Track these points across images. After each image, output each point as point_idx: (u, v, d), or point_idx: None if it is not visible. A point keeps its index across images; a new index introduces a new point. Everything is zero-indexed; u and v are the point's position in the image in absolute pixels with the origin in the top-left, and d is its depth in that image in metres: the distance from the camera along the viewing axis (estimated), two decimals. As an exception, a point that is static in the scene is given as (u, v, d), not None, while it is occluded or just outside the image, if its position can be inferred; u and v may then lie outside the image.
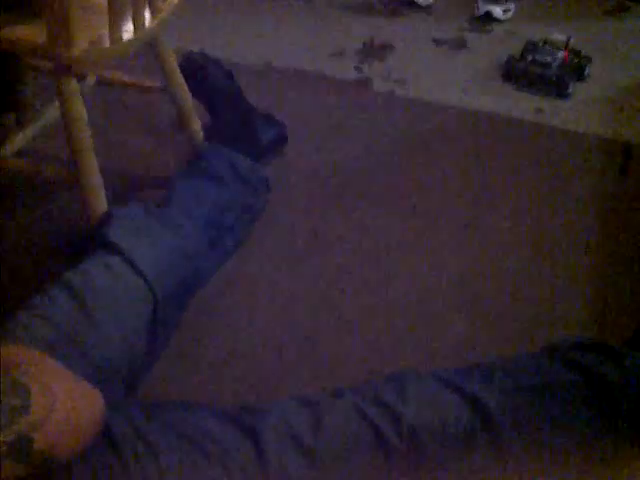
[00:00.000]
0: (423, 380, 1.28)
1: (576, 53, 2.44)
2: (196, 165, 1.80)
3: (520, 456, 1.20)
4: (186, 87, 1.86)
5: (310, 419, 1.19)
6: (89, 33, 1.54)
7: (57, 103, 1.63)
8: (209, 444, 1.14)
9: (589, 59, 2.43)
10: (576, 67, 2.40)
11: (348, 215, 1.91)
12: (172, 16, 1.69)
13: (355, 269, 1.78)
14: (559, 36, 2.45)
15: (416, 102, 2.31)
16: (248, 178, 1.79)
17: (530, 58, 2.41)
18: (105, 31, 1.53)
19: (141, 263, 1.41)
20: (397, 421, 1.19)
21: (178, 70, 1.84)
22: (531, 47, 2.44)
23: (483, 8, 2.70)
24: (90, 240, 1.49)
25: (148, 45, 1.73)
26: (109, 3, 1.49)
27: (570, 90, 2.35)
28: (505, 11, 2.71)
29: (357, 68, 2.46)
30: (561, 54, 2.40)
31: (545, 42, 2.45)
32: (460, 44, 2.60)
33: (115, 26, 1.53)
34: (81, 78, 1.87)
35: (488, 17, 2.70)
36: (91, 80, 1.98)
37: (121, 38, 1.55)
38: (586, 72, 2.41)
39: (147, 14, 1.61)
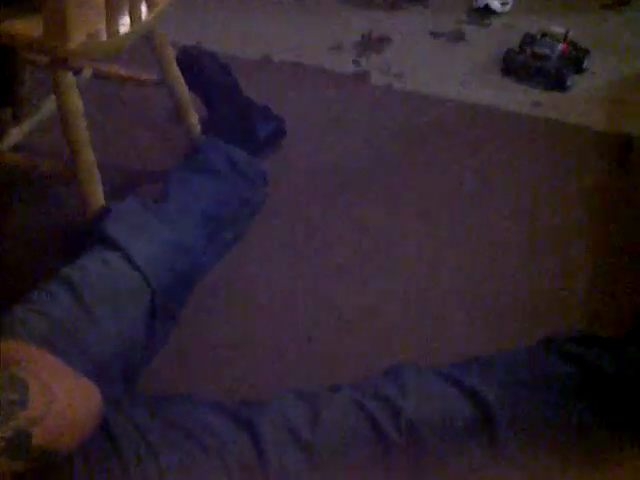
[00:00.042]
0: (422, 374, 1.29)
1: (575, 46, 2.43)
2: (193, 159, 1.80)
3: (519, 449, 1.21)
4: (183, 80, 1.86)
5: (308, 413, 1.20)
6: (86, 27, 1.53)
7: (54, 97, 1.62)
8: (207, 437, 1.14)
9: (588, 52, 2.42)
10: (575, 60, 2.39)
11: (347, 210, 1.91)
12: (169, 10, 1.68)
13: (354, 266, 1.77)
14: (558, 29, 2.44)
15: (414, 95, 2.31)
16: (246, 172, 1.79)
17: (529, 51, 2.40)
18: (102, 25, 1.53)
19: (139, 258, 1.41)
20: (396, 415, 1.19)
21: (175, 63, 1.83)
22: (529, 40, 2.43)
23: (481, 1, 2.69)
24: (88, 235, 1.49)
25: (145, 38, 1.72)
26: (105, -4, 1.49)
27: (569, 83, 2.34)
28: (503, 4, 2.70)
29: (355, 61, 2.45)
30: (560, 47, 2.40)
31: (544, 35, 2.44)
32: (458, 37, 2.60)
33: (112, 20, 1.52)
34: (77, 72, 1.86)
35: (486, 10, 2.69)
36: (87, 74, 1.97)
37: (118, 32, 1.55)
38: (585, 65, 2.40)
39: (143, 7, 1.60)
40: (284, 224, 1.86)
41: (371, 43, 2.54)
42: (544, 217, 1.91)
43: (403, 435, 1.18)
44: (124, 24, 1.56)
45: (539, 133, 2.18)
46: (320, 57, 2.45)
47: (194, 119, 1.91)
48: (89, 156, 1.63)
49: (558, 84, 2.34)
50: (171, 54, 1.82)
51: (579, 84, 2.37)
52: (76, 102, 1.58)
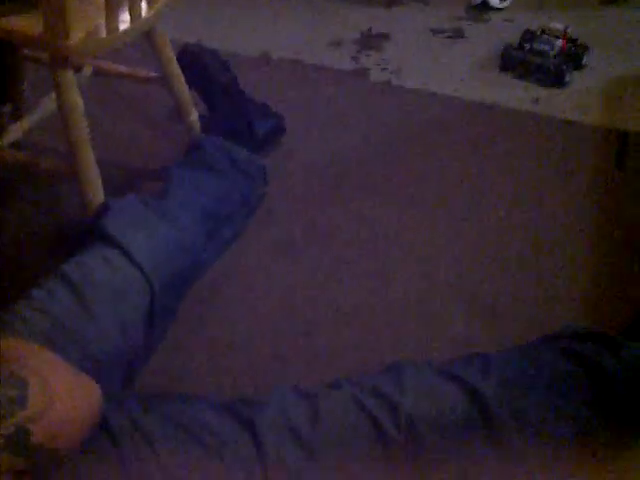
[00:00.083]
0: (421, 371, 1.29)
1: (574, 42, 2.43)
2: (193, 156, 1.80)
3: (518, 446, 1.20)
4: (183, 78, 1.86)
5: (308, 411, 1.20)
6: (85, 23, 1.53)
7: (54, 94, 1.62)
8: (207, 436, 1.14)
9: (587, 48, 2.42)
10: (574, 56, 2.39)
11: (346, 206, 1.91)
12: (169, 7, 1.68)
13: (353, 260, 1.78)
14: (557, 25, 2.44)
15: (413, 92, 2.31)
16: (246, 169, 1.79)
17: (528, 47, 2.41)
18: (101, 21, 1.53)
19: (138, 255, 1.41)
20: (395, 412, 1.19)
21: (175, 61, 1.83)
22: (529, 36, 2.43)
23: (480, -3, 2.69)
24: (88, 232, 1.49)
25: (145, 36, 1.72)
26: (105, -6, 1.49)
27: (567, 79, 2.34)
28: (502, 0, 2.70)
29: (354, 58, 2.45)
30: (559, 43, 2.40)
31: (543, 31, 2.44)
32: (457, 34, 2.60)
33: (111, 16, 1.52)
34: (78, 69, 1.87)
35: (485, 6, 2.69)
36: (87, 71, 1.98)
37: (117, 28, 1.55)
38: (584, 61, 2.40)
39: (143, 4, 1.60)
40: (283, 220, 1.86)
41: (370, 40, 2.54)
42: (543, 213, 1.91)
43: (402, 432, 1.18)
44: (124, 21, 1.56)
45: (538, 129, 2.18)
46: (319, 54, 2.45)
47: (194, 116, 1.92)
48: (89, 153, 1.63)
49: (557, 80, 2.34)
50: (171, 51, 1.81)
51: (578, 80, 2.37)
52: (76, 100, 1.58)
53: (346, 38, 2.53)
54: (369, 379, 1.27)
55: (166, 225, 1.54)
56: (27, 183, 1.90)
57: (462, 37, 2.58)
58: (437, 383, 1.26)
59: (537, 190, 1.97)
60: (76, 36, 1.51)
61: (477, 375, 1.26)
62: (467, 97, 2.29)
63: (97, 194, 1.65)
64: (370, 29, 2.58)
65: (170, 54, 1.81)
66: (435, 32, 2.60)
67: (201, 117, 1.94)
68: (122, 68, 1.97)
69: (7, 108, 1.94)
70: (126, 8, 1.56)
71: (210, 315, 1.63)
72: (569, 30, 2.43)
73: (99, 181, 1.66)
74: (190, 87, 1.89)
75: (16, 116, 1.92)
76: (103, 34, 1.54)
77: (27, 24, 1.52)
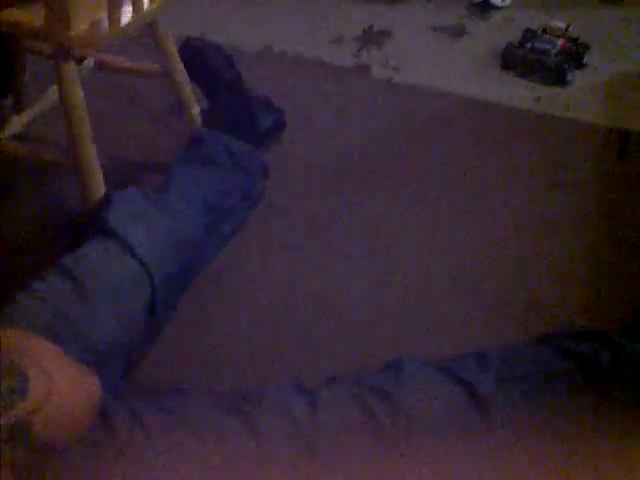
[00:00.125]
0: (419, 367, 1.29)
1: (575, 41, 2.43)
2: (195, 150, 1.80)
3: (515, 444, 1.21)
4: (185, 72, 1.86)
5: (307, 406, 1.20)
6: (87, 15, 1.53)
7: (55, 87, 1.62)
8: (206, 430, 1.14)
9: (588, 47, 2.42)
10: (575, 55, 2.39)
11: (347, 202, 1.91)
12: (171, 0, 1.68)
13: (353, 256, 1.78)
14: (558, 23, 2.44)
15: (414, 89, 2.31)
16: (247, 164, 1.79)
17: (529, 45, 2.41)
18: (104, 13, 1.53)
19: (139, 248, 1.41)
20: (394, 408, 1.19)
21: (177, 55, 1.83)
22: (530, 34, 2.43)
23: (482, -5, 2.70)
24: (88, 225, 1.49)
25: (147, 29, 1.72)
26: (108, -14, 1.49)
27: (569, 78, 2.34)
28: (503, -2, 2.71)
29: (356, 55, 2.45)
30: (560, 42, 2.40)
31: (544, 29, 2.44)
32: (459, 31, 2.60)
33: (114, 8, 1.52)
34: (79, 62, 1.86)
35: (487, 4, 2.70)
36: (89, 64, 1.97)
37: (120, 21, 1.55)
38: (585, 60, 2.41)
39: (146, -3, 1.61)
40: (284, 215, 1.86)
41: (372, 36, 2.54)
42: (544, 211, 1.91)
43: (400, 428, 1.18)
44: (126, 13, 1.56)
45: (539, 127, 2.18)
46: (321, 50, 2.45)
47: (196, 111, 1.91)
48: (90, 146, 1.63)
49: (558, 79, 2.34)
50: (173, 45, 1.81)
51: (579, 79, 2.37)
52: (78, 93, 1.58)
53: (348, 34, 2.53)
54: (369, 376, 1.27)
55: (167, 218, 1.54)
56: (28, 175, 1.90)
57: (463, 35, 2.58)
58: (435, 379, 1.26)
59: (537, 187, 1.97)
60: (78, 28, 1.50)
61: (475, 372, 1.26)
62: (468, 95, 2.29)
63: (98, 187, 1.65)
64: (372, 26, 2.58)
65: (172, 48, 1.81)
66: (436, 30, 2.60)
67: (202, 111, 1.94)
68: (124, 61, 1.97)
69: (8, 100, 1.94)
70: (129, 0, 1.55)
71: (210, 308, 1.63)
72: (570, 29, 2.44)
73: (100, 174, 1.65)
74: (191, 81, 1.89)
75: (17, 108, 1.92)
76: (105, 26, 1.54)
77: (29, 16, 1.52)
